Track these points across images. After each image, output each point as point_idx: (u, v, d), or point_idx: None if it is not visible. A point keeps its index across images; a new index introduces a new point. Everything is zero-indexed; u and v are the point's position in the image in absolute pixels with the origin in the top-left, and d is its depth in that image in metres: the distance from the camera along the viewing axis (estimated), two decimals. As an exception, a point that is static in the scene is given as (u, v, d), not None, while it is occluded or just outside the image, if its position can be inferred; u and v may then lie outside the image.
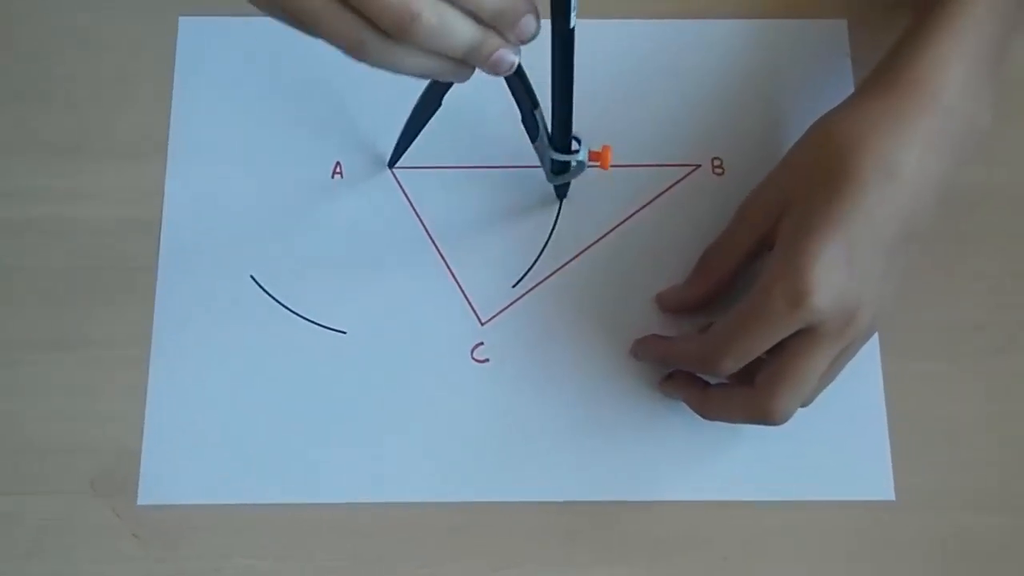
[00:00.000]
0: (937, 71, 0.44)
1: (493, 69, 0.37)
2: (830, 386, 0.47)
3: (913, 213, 0.43)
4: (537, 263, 0.51)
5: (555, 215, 0.52)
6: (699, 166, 0.53)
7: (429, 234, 0.51)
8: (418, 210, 0.52)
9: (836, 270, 0.41)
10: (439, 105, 0.47)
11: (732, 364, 0.43)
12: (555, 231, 0.52)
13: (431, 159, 0.52)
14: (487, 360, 0.50)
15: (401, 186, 0.52)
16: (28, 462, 0.48)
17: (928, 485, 0.48)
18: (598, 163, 0.46)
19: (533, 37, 0.37)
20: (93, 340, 0.50)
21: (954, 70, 0.44)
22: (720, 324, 0.44)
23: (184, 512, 0.48)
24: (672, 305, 0.50)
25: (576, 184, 0.51)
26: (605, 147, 0.46)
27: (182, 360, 0.49)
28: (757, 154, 0.52)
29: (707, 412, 0.47)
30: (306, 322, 0.50)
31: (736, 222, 0.47)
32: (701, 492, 0.48)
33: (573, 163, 0.47)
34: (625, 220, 0.52)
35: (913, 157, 0.42)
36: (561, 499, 0.48)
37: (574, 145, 0.46)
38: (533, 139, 0.46)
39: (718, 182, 0.52)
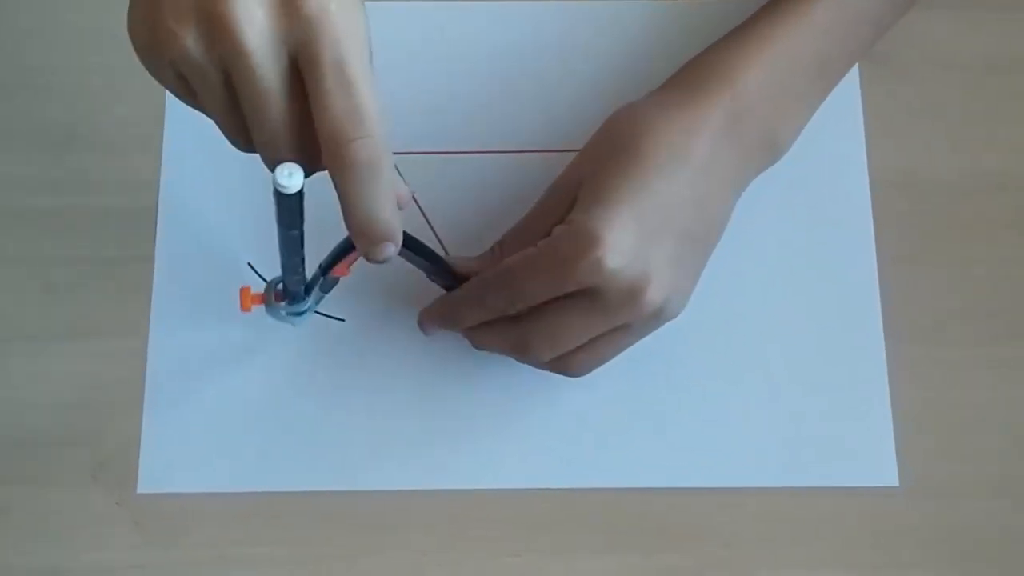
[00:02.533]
0: (736, 74, 0.44)
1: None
2: (834, 371, 0.47)
3: (707, 202, 0.43)
4: (537, 248, 0.51)
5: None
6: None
7: (427, 220, 0.51)
8: (416, 196, 0.51)
9: (626, 236, 0.41)
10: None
11: (508, 305, 0.43)
12: (555, 216, 0.51)
13: (428, 144, 0.52)
14: (486, 348, 0.50)
15: (398, 172, 0.51)
16: (28, 452, 0.48)
17: (932, 471, 0.48)
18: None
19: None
20: (91, 330, 0.50)
21: (753, 76, 0.44)
22: (502, 266, 0.43)
23: (184, 500, 0.48)
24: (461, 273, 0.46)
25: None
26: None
27: (180, 349, 0.49)
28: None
29: (472, 335, 0.46)
30: (304, 310, 0.50)
31: (534, 210, 0.46)
32: (704, 479, 0.48)
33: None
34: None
35: (703, 146, 0.43)
36: (564, 486, 0.48)
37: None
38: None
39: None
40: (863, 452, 0.48)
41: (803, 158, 0.49)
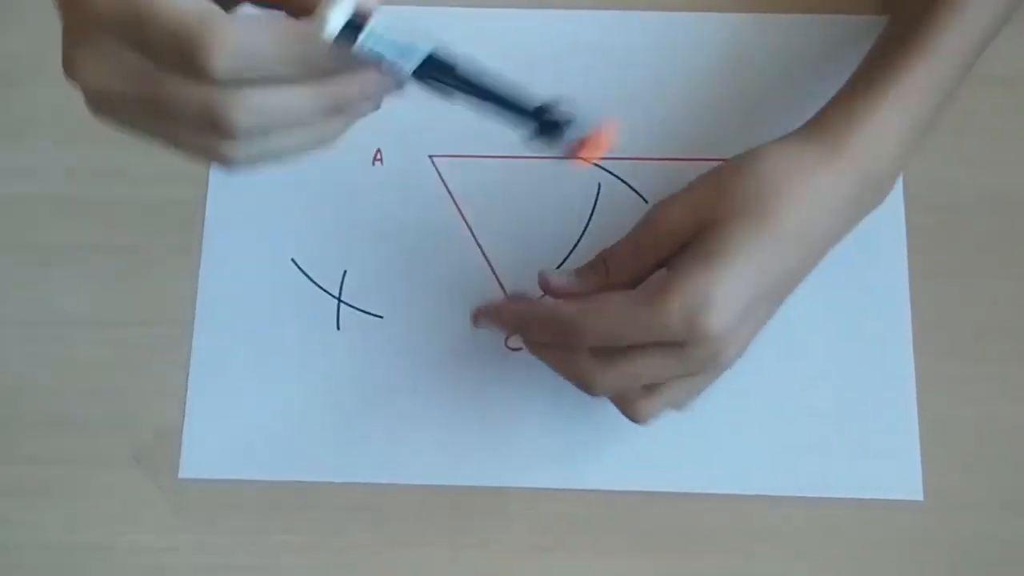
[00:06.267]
0: (878, 145, 0.42)
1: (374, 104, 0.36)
2: (863, 384, 0.47)
3: (803, 274, 0.43)
4: (573, 253, 0.52)
5: (592, 205, 0.52)
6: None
7: (466, 222, 0.52)
8: (456, 198, 0.52)
9: (738, 303, 0.40)
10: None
11: (592, 343, 0.41)
12: (591, 221, 0.52)
13: (470, 148, 0.53)
14: (520, 349, 0.50)
15: (440, 174, 0.53)
16: (73, 435, 0.50)
17: (957, 486, 0.48)
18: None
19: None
20: (139, 318, 0.51)
21: (891, 146, 0.43)
22: (594, 303, 0.41)
23: (223, 486, 0.49)
24: (556, 291, 0.45)
25: (613, 175, 0.51)
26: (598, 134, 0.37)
27: (224, 339, 0.51)
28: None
29: (533, 346, 0.45)
30: (345, 306, 0.51)
31: (646, 231, 0.44)
32: (729, 485, 0.48)
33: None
34: (661, 213, 0.52)
35: (834, 219, 0.42)
36: (588, 487, 0.49)
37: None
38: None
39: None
40: (889, 465, 0.48)
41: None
